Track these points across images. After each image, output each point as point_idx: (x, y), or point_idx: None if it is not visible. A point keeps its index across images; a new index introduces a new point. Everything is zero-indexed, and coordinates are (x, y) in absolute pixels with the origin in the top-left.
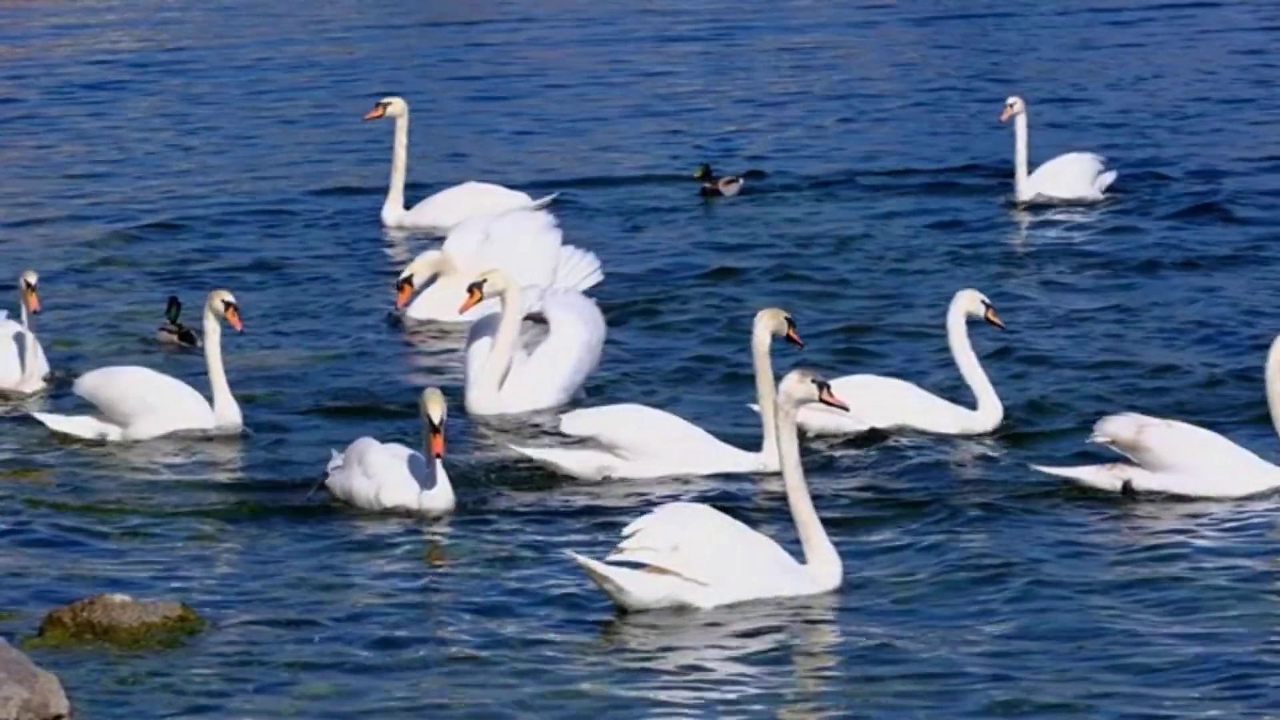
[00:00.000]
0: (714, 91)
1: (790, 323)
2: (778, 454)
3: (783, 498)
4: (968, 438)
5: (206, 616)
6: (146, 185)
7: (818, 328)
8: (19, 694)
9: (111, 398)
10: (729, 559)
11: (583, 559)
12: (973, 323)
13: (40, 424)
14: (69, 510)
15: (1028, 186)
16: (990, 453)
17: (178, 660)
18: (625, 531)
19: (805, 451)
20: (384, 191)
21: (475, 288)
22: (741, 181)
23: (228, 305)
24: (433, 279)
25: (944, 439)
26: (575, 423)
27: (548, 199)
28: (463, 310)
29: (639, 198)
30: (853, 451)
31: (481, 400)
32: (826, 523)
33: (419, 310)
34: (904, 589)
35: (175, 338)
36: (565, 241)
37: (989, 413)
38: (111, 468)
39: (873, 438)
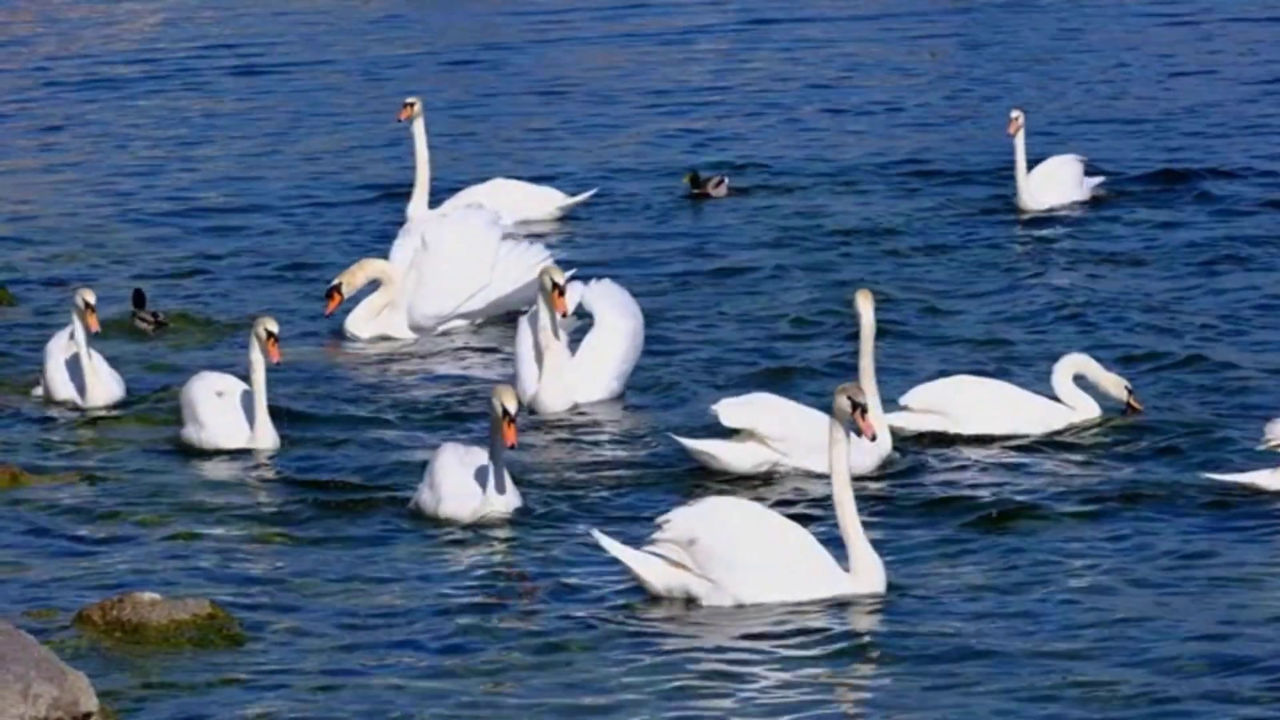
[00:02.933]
0: (730, 87)
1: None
2: (885, 437)
3: (899, 483)
4: (1066, 433)
5: (236, 615)
6: (169, 181)
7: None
8: (49, 692)
9: (181, 402)
10: (746, 559)
11: (604, 539)
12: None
13: (82, 428)
14: (101, 509)
15: (1027, 195)
16: (1086, 454)
17: (207, 658)
18: (658, 520)
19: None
20: (409, 189)
21: (556, 288)
22: (727, 180)
23: (269, 335)
24: (372, 288)
25: (1040, 440)
26: (732, 413)
27: (585, 195)
28: (566, 314)
29: (656, 193)
30: (944, 452)
31: (555, 398)
32: (903, 526)
33: (358, 324)
34: (955, 595)
35: (150, 326)
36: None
37: (1086, 408)
38: (148, 470)
39: (955, 439)
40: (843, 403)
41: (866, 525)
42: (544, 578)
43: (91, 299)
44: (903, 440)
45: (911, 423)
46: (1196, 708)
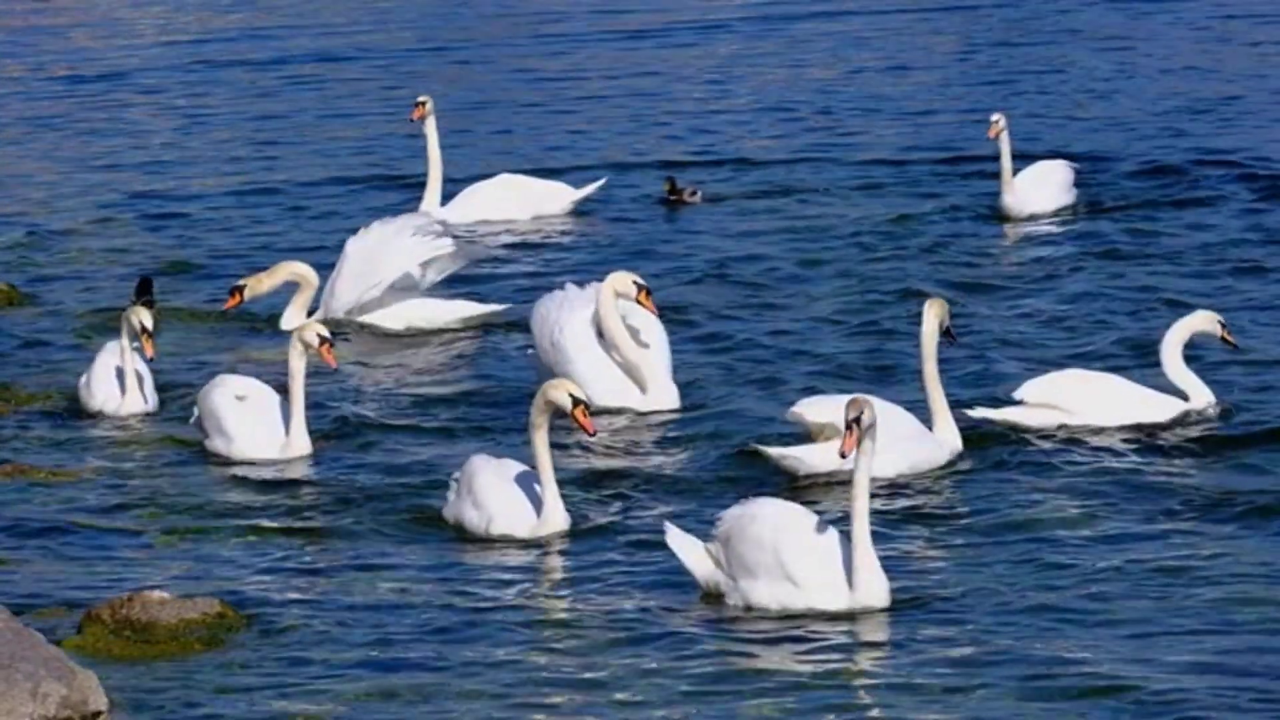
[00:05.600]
0: (730, 86)
1: (950, 316)
2: (954, 434)
3: (949, 488)
4: (1182, 425)
5: (246, 615)
6: (175, 176)
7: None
8: (58, 690)
9: (201, 411)
10: (759, 563)
11: (671, 530)
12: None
13: (97, 429)
14: (112, 509)
15: (1013, 200)
16: (1198, 451)
17: (216, 657)
18: (717, 517)
19: (1013, 448)
20: (417, 183)
21: (643, 289)
22: (700, 191)
23: (322, 340)
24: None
25: (1153, 434)
26: (815, 410)
27: (594, 186)
28: (658, 314)
29: (650, 193)
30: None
31: (669, 394)
32: (928, 532)
33: (290, 325)
34: (966, 605)
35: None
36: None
37: (1201, 396)
38: (159, 470)
39: (1060, 433)
40: (848, 413)
41: (897, 526)
42: (569, 582)
43: (149, 323)
44: (975, 436)
45: (1026, 416)
46: None
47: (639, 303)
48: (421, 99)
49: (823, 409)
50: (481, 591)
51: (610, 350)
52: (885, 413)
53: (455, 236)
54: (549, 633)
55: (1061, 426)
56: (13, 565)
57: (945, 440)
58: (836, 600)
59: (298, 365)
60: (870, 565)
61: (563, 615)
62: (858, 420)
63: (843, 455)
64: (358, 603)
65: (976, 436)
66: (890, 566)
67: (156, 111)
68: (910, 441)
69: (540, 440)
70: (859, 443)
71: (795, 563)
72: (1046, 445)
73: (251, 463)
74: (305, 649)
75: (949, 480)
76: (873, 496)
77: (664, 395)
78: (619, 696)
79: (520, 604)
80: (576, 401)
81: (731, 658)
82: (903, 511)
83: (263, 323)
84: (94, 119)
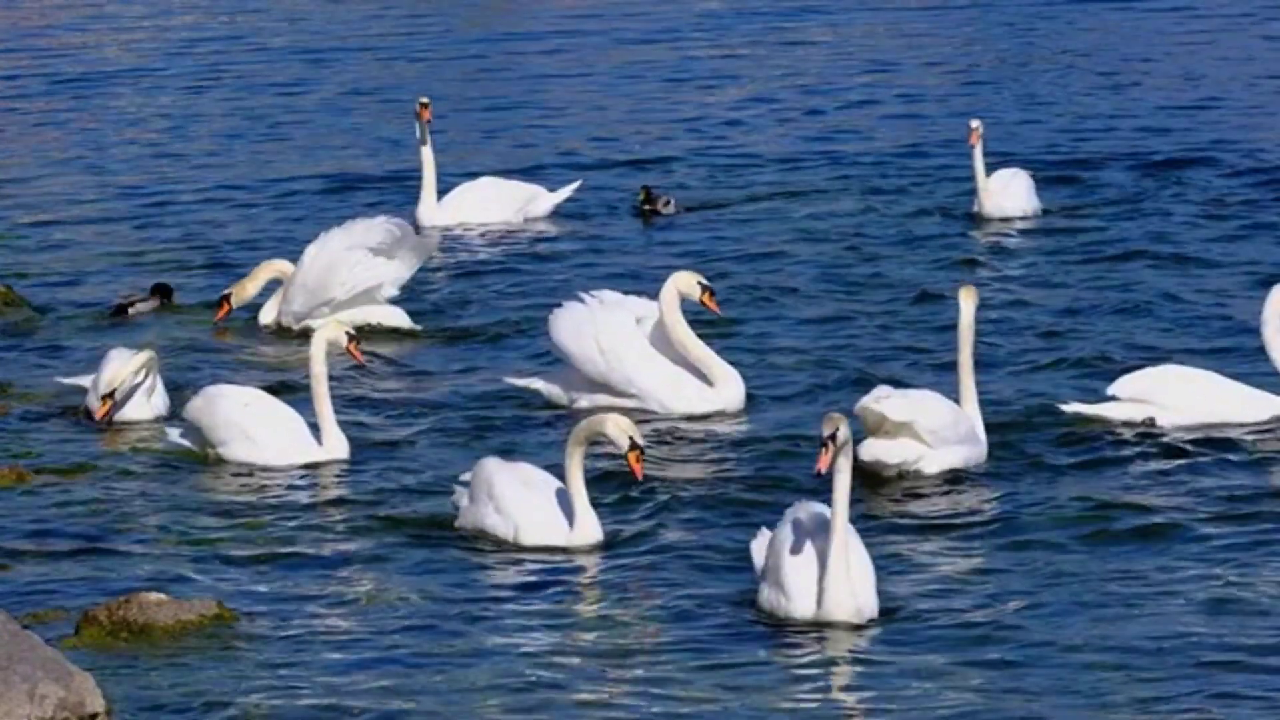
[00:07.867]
0: (723, 86)
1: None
2: (980, 427)
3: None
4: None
5: (244, 616)
6: (172, 176)
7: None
8: (55, 692)
9: (210, 423)
10: (769, 567)
11: (760, 533)
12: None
13: (97, 432)
14: (110, 511)
15: (990, 202)
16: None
17: (214, 658)
18: None
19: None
20: (410, 187)
21: (707, 289)
22: (674, 200)
23: (350, 338)
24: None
25: (1236, 440)
26: (897, 407)
27: (571, 188)
28: (718, 313)
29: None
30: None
31: (740, 393)
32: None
33: (267, 319)
34: (966, 620)
35: (135, 303)
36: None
37: None
38: (157, 472)
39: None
40: (823, 429)
41: (908, 532)
42: (578, 587)
43: (122, 379)
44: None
45: (1118, 412)
46: None
47: (702, 303)
48: (424, 99)
49: (903, 407)
50: (485, 596)
51: (666, 348)
52: (947, 410)
53: (423, 237)
54: (552, 640)
55: (1150, 421)
56: (11, 566)
57: (977, 441)
58: (806, 611)
59: (321, 369)
60: (839, 581)
61: (567, 622)
62: (833, 438)
63: (818, 475)
64: (357, 606)
65: (1008, 432)
66: (894, 574)
67: (152, 110)
68: (967, 441)
69: (575, 459)
70: (834, 459)
71: (786, 569)
72: (1082, 446)
73: (277, 467)
74: (303, 651)
75: (975, 482)
76: (855, 499)
77: (733, 389)
78: (621, 713)
79: (526, 609)
80: (634, 445)
81: (728, 668)
82: (918, 517)
83: (252, 321)
84: (89, 118)
